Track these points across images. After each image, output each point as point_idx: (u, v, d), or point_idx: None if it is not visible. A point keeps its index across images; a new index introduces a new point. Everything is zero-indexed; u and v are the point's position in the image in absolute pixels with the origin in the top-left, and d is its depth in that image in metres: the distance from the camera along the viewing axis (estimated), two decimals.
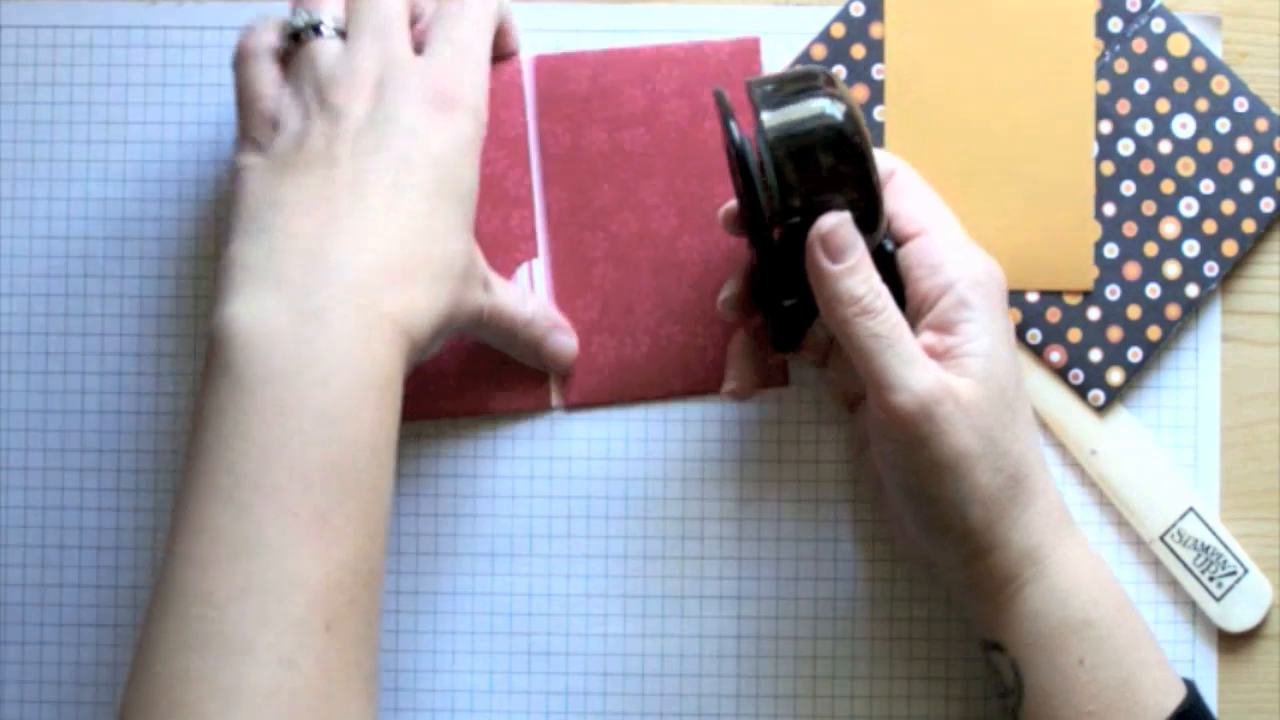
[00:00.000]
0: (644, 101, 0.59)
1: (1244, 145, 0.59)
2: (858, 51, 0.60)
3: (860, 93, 0.60)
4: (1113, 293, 0.59)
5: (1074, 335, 0.59)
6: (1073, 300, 0.59)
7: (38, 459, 0.60)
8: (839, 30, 0.60)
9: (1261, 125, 0.59)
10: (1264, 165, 0.59)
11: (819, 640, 0.60)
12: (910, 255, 0.53)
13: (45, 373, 0.60)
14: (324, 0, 0.53)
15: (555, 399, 0.60)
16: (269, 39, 0.53)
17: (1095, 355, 0.59)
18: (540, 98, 0.59)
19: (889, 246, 0.54)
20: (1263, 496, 0.60)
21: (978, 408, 0.51)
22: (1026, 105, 0.59)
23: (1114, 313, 0.59)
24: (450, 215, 0.51)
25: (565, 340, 0.59)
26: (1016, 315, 0.59)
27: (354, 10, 0.53)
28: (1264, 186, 0.59)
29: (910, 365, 0.50)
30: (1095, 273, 0.59)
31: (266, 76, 0.53)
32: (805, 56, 0.60)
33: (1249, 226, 0.59)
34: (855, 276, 0.51)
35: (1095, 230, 0.59)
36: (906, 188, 0.55)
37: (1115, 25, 0.60)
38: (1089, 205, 0.59)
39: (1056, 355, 0.59)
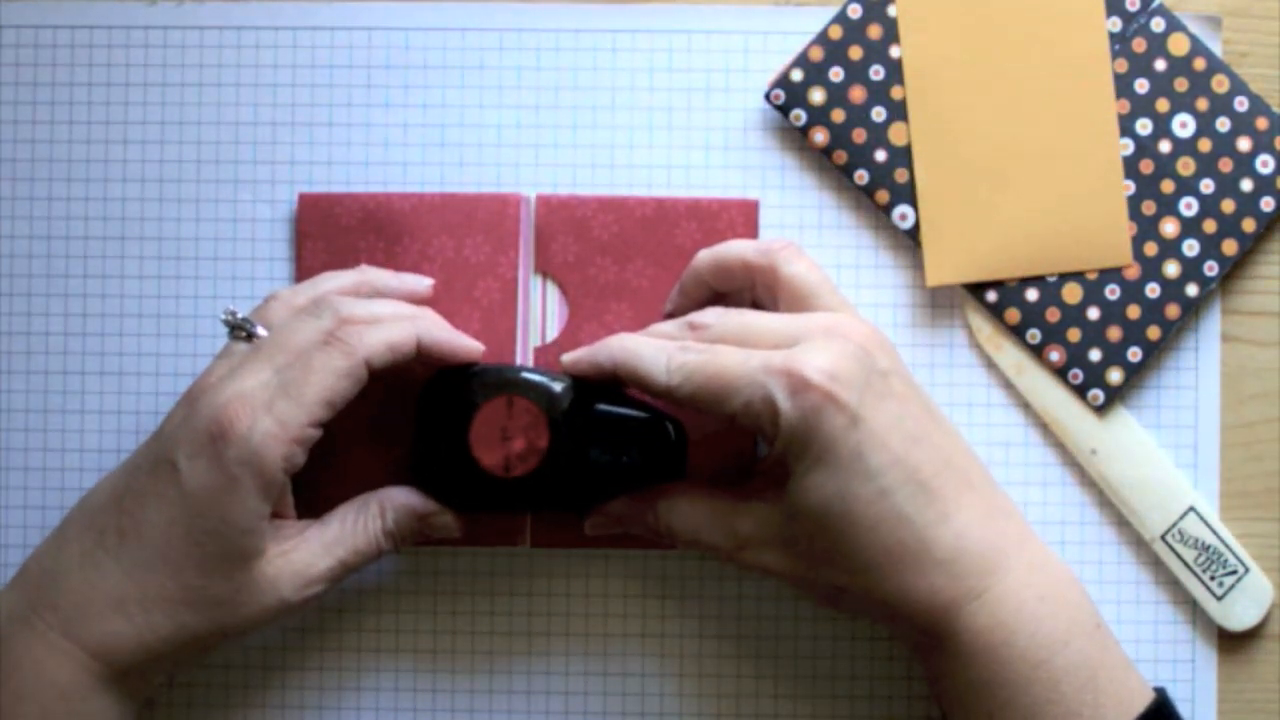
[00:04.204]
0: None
1: (1244, 144, 0.59)
2: (855, 53, 0.60)
3: (858, 94, 0.60)
4: (1112, 292, 0.59)
5: (1074, 335, 0.59)
6: (1094, 278, 0.59)
7: (38, 459, 0.60)
8: (836, 32, 0.60)
9: (1261, 124, 0.59)
10: (1264, 164, 0.59)
11: (819, 640, 0.60)
12: None
13: (45, 373, 0.60)
14: (271, 305, 0.56)
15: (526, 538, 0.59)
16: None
17: (1095, 355, 0.59)
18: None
19: (670, 431, 0.56)
20: (1263, 496, 0.60)
21: (786, 537, 0.53)
22: (1045, 88, 0.59)
23: (1114, 312, 0.59)
24: (195, 549, 0.52)
25: (441, 523, 0.57)
26: (1016, 315, 0.59)
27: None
28: (1264, 185, 0.59)
29: (706, 520, 0.54)
30: (1130, 248, 0.59)
31: None
32: (803, 58, 0.60)
33: (1249, 226, 0.59)
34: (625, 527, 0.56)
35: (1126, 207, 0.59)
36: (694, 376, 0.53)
37: (1115, 25, 0.60)
38: (1118, 182, 0.59)
39: (1056, 355, 0.59)
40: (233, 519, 0.51)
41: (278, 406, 0.51)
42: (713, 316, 0.54)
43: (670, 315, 0.58)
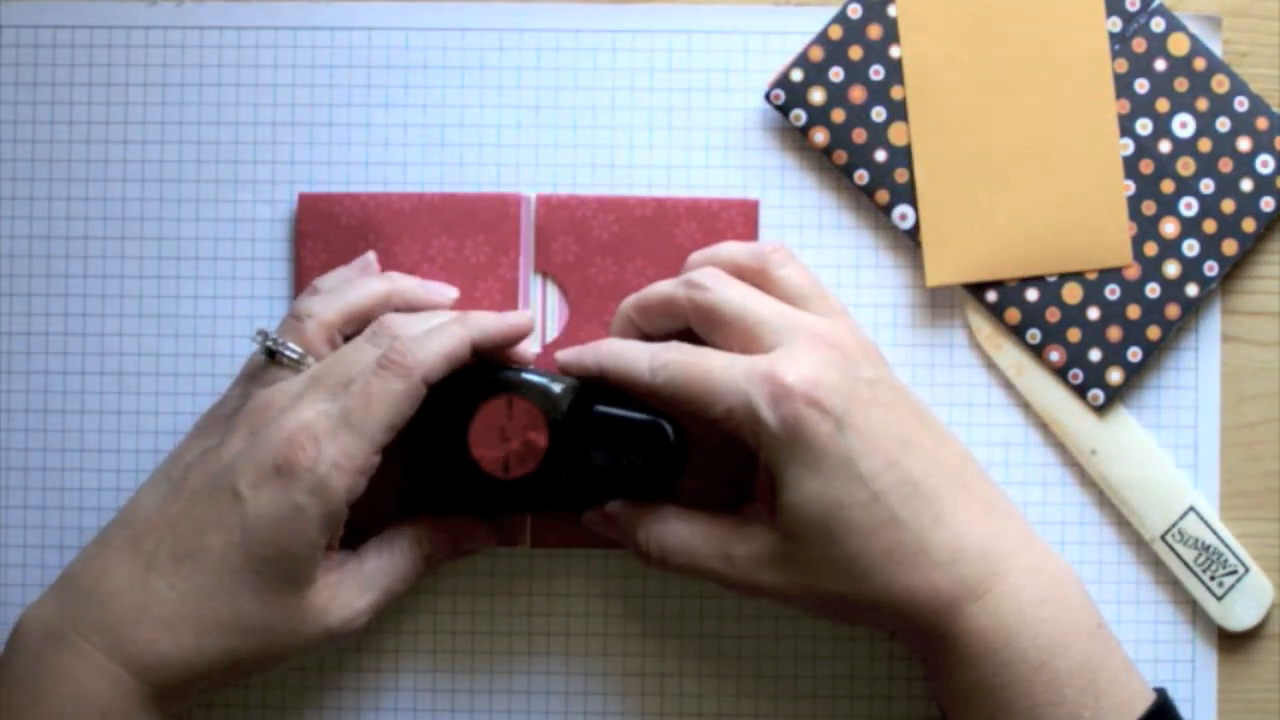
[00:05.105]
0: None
1: (1244, 144, 0.59)
2: (855, 53, 0.60)
3: (858, 94, 0.60)
4: (1112, 292, 0.59)
5: (1074, 335, 0.59)
6: (1094, 277, 0.59)
7: (38, 459, 0.60)
8: (836, 32, 0.60)
9: (1261, 124, 0.59)
10: (1264, 164, 0.59)
11: (819, 640, 0.60)
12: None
13: (45, 373, 0.60)
14: (306, 325, 0.55)
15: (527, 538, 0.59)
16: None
17: (1095, 355, 0.59)
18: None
19: (669, 433, 0.55)
20: (1263, 496, 0.60)
21: (784, 556, 0.53)
22: (1045, 88, 0.59)
23: (1114, 312, 0.59)
24: (252, 576, 0.52)
25: (477, 533, 0.58)
26: (1016, 315, 0.59)
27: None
28: (1264, 185, 0.59)
29: (702, 541, 0.54)
30: (1130, 248, 0.59)
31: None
32: (803, 58, 0.60)
33: (1249, 226, 0.59)
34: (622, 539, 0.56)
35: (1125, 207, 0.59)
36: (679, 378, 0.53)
37: (1115, 25, 0.60)
38: (1118, 182, 0.59)
39: (1056, 355, 0.59)
40: (294, 548, 0.51)
41: (341, 438, 0.51)
42: (710, 279, 0.54)
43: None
